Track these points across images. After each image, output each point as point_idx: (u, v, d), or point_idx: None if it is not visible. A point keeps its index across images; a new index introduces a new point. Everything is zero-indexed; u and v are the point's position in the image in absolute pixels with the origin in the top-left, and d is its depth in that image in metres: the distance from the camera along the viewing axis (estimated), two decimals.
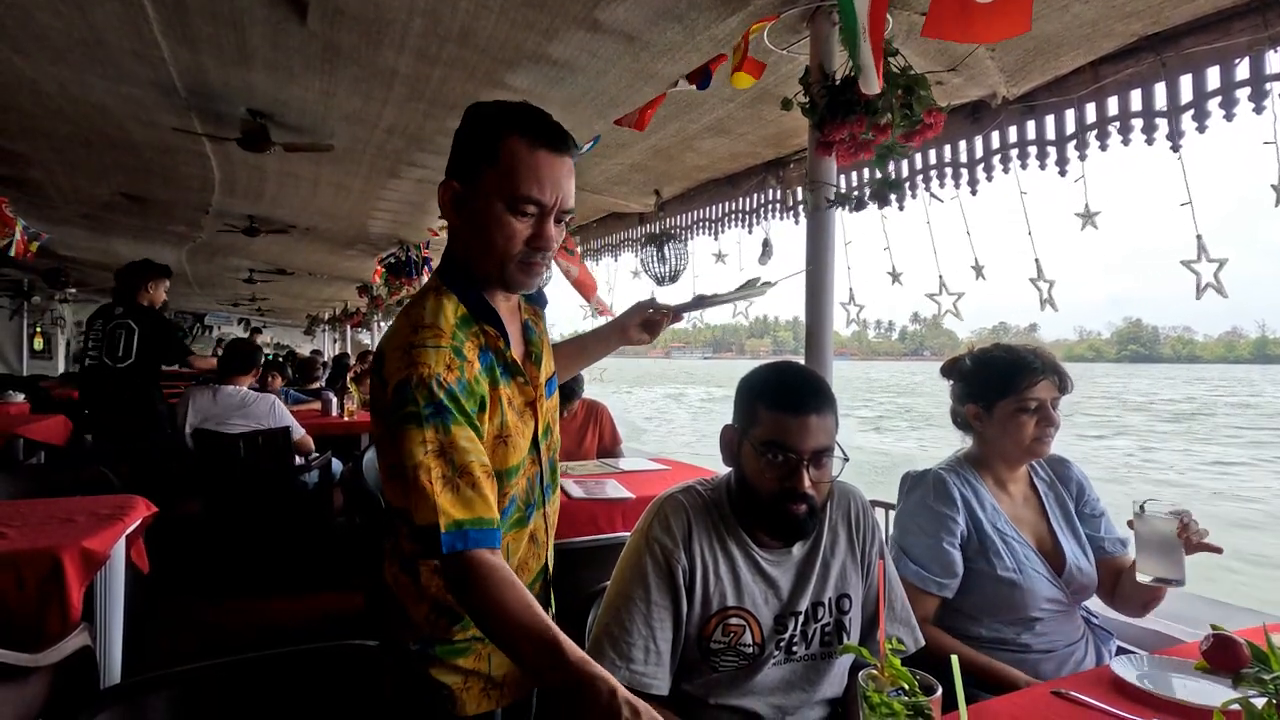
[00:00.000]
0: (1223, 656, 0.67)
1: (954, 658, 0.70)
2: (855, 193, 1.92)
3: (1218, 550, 1.24)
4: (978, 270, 2.24)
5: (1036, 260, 1.97)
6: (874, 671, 0.76)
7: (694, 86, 2.11)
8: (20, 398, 5.22)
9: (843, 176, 2.79)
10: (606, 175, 3.74)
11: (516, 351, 1.07)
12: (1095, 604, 1.55)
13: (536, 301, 1.16)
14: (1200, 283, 1.59)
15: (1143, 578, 1.24)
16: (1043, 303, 1.92)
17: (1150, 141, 2.00)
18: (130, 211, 5.48)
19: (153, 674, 0.98)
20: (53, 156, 4.20)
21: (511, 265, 0.99)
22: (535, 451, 1.09)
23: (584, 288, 4.48)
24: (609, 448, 3.54)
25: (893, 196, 1.94)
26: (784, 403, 1.10)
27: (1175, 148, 1.93)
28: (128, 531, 1.93)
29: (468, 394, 0.94)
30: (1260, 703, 0.65)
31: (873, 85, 1.57)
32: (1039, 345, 1.48)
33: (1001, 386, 1.43)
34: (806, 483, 1.07)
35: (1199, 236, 1.60)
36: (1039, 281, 1.93)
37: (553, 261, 4.35)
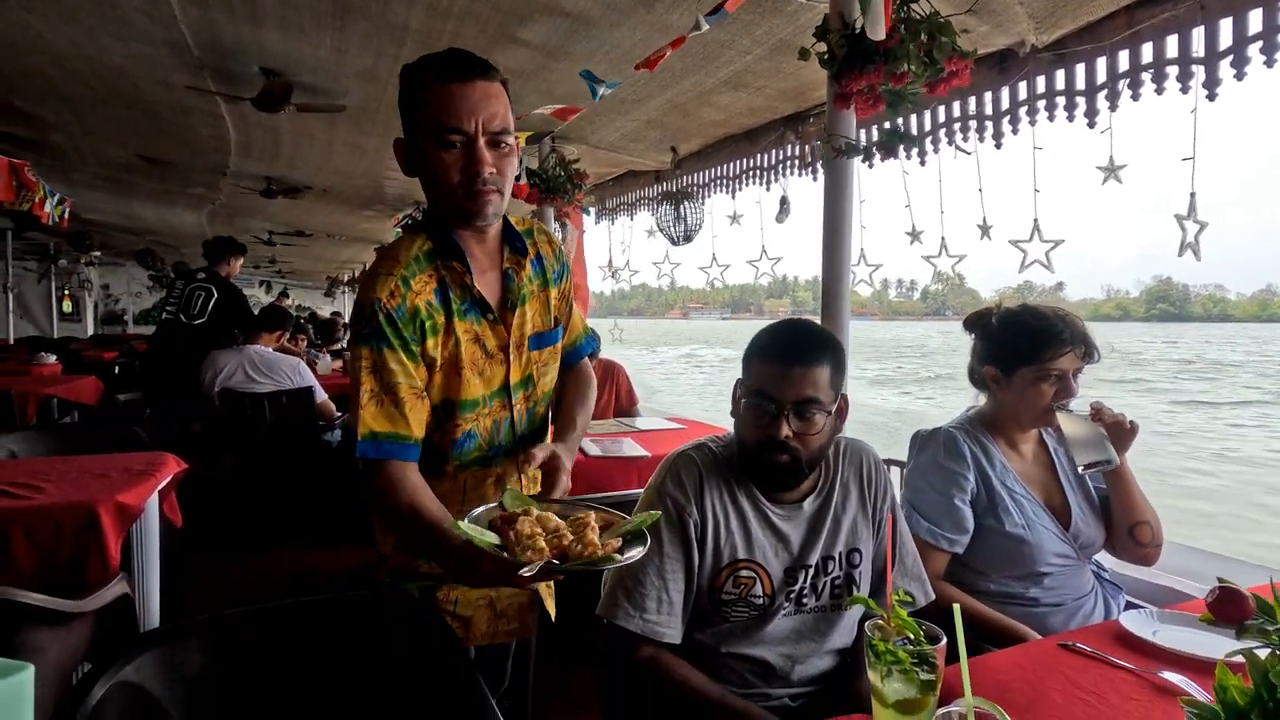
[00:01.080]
0: (1228, 609, 0.67)
1: (955, 606, 0.71)
2: (872, 145, 1.88)
3: (1131, 426, 1.38)
4: (984, 230, 2.20)
5: (1035, 220, 1.92)
6: (880, 622, 0.78)
7: (704, 22, 2.04)
8: (52, 359, 5.35)
9: (863, 131, 2.72)
10: (622, 132, 3.68)
11: (491, 295, 1.13)
12: (1108, 560, 1.56)
13: (518, 250, 1.18)
14: (1184, 239, 1.56)
15: (1080, 467, 1.37)
16: (1023, 266, 1.88)
17: (1185, 90, 1.91)
18: (149, 174, 5.52)
19: (192, 618, 1.02)
20: (71, 119, 4.22)
21: (458, 196, 1.05)
22: (506, 397, 1.16)
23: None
24: (626, 407, 3.57)
25: (902, 148, 1.88)
26: (770, 354, 1.12)
27: (1211, 96, 1.86)
28: (160, 486, 2.00)
29: (405, 321, 1.04)
30: (1265, 654, 0.66)
31: (879, 31, 1.53)
32: (1068, 312, 1.43)
33: (1025, 353, 1.41)
34: (785, 431, 1.08)
35: (1192, 195, 1.57)
36: (1023, 244, 1.89)
37: (562, 222, 4.33)
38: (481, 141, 1.02)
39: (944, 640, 0.74)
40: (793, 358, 1.10)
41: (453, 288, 1.10)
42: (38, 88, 3.60)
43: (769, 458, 1.11)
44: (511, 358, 1.15)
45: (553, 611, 1.33)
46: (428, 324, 1.06)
